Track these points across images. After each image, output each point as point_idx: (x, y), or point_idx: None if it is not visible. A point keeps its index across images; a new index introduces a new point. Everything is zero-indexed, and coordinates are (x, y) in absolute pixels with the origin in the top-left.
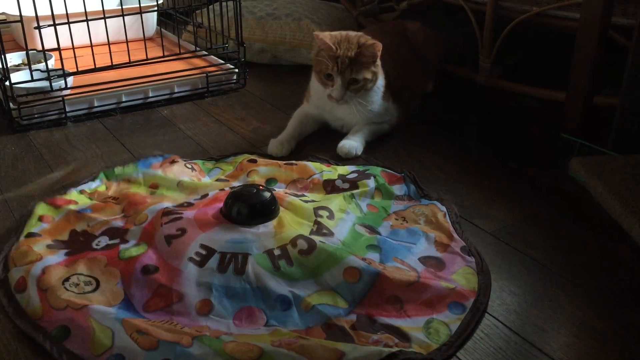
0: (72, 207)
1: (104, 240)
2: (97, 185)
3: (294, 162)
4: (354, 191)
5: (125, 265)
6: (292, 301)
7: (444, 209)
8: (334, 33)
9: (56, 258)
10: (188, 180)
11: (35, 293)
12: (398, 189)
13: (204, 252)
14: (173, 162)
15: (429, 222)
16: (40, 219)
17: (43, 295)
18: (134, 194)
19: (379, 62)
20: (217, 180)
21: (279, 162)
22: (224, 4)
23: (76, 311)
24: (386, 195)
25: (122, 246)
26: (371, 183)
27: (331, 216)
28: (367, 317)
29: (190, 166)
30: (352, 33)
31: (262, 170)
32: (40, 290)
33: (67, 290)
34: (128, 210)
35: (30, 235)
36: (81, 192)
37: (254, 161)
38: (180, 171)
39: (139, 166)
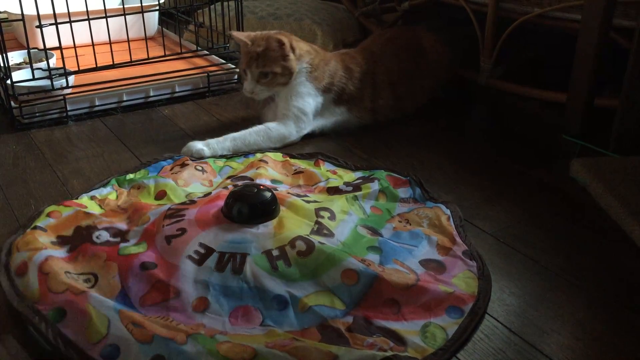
0: (82, 208)
1: (104, 234)
2: (108, 191)
3: (302, 169)
4: (357, 193)
5: (123, 260)
6: (289, 301)
7: (448, 212)
8: (254, 32)
9: (58, 254)
10: (197, 192)
11: (35, 277)
12: (403, 192)
13: (202, 251)
14: (183, 164)
15: (433, 225)
16: (49, 214)
17: (43, 279)
18: (139, 202)
19: (292, 56)
20: (227, 178)
21: (288, 169)
22: (225, 3)
23: (75, 295)
24: (391, 197)
25: (122, 244)
26: (374, 185)
27: (332, 217)
28: (363, 319)
29: (200, 168)
30: (273, 32)
31: (270, 172)
32: (41, 273)
33: (68, 278)
34: (133, 216)
35: (36, 227)
36: (92, 198)
37: (265, 162)
38: (191, 175)
39: (150, 171)
